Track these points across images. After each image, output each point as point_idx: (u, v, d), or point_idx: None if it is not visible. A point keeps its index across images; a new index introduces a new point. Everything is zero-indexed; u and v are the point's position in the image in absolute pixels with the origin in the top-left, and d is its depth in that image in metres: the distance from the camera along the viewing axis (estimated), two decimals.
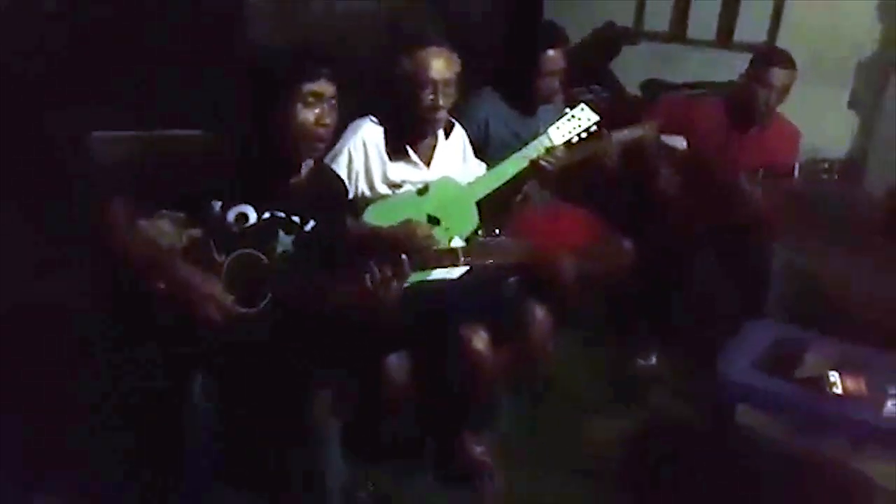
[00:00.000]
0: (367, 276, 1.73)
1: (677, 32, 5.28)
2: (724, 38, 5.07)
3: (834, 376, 1.88)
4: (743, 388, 2.01)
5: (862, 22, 4.67)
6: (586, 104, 3.52)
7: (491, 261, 1.94)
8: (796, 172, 2.51)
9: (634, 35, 5.19)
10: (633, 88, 4.95)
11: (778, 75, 2.67)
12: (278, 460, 1.87)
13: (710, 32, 5.18)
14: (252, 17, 3.19)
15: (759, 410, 2.21)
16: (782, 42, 4.93)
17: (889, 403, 1.85)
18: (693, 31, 5.25)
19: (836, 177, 2.47)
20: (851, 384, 1.87)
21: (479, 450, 2.22)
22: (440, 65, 2.13)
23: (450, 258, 1.90)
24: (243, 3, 3.16)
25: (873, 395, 1.87)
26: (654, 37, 5.24)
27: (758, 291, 2.73)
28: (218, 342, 1.67)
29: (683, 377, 2.77)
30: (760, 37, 5.01)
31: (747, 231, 2.74)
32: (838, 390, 1.87)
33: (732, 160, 2.71)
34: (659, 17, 5.34)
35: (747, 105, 2.73)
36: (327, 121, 1.77)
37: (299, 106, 1.74)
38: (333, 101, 1.79)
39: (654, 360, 2.91)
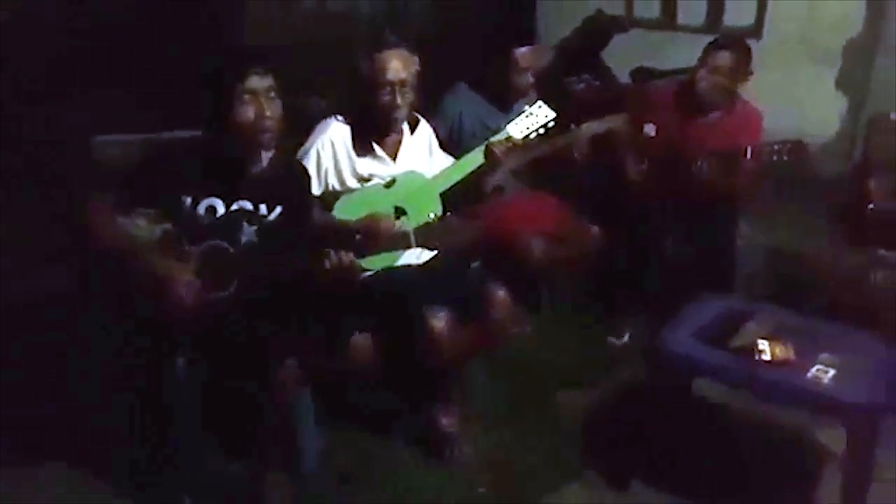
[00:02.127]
0: (326, 260, 1.92)
1: (667, 19, 5.38)
2: (713, 23, 5.15)
3: (763, 344, 2.00)
4: (682, 358, 2.14)
5: (848, 5, 4.73)
6: (574, 94, 3.69)
7: (441, 241, 2.09)
8: (749, 154, 2.62)
9: (625, 23, 5.27)
10: (624, 76, 5.05)
11: (721, 57, 2.79)
12: (256, 426, 2.05)
13: (700, 18, 5.27)
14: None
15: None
16: (770, 25, 5.01)
17: (814, 369, 1.98)
18: (683, 17, 5.34)
19: (785, 158, 2.58)
20: (779, 351, 2.00)
21: (445, 421, 2.38)
22: (397, 65, 2.28)
23: (403, 241, 2.06)
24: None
25: (800, 362, 2.00)
26: (644, 24, 5.34)
27: (722, 268, 2.86)
28: (194, 324, 1.86)
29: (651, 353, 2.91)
30: (749, 20, 5.09)
31: (711, 211, 2.87)
32: (766, 357, 2.00)
33: (695, 144, 2.83)
34: (649, 4, 5.44)
35: (697, 88, 2.85)
36: (268, 113, 1.91)
37: (237, 104, 1.89)
38: (272, 94, 1.92)
39: (626, 338, 3.04)
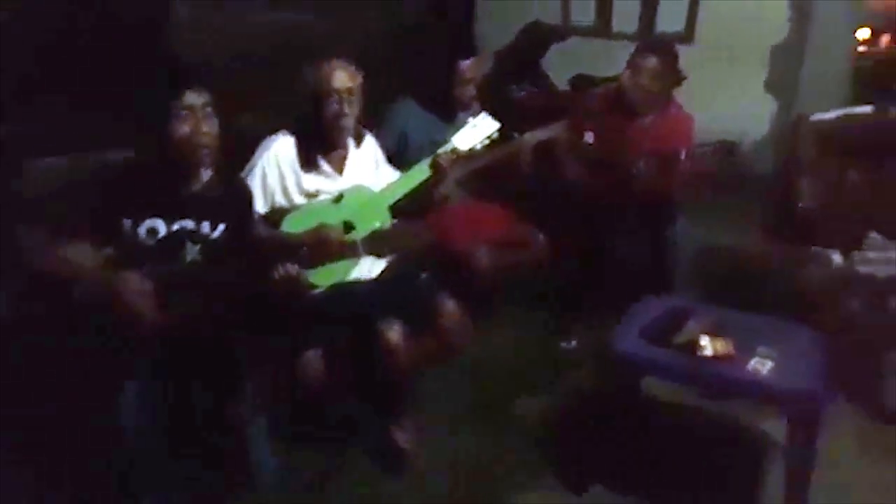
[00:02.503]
0: (274, 273, 1.93)
1: (602, 26, 5.52)
2: (646, 30, 5.32)
3: (704, 340, 2.08)
4: (630, 357, 2.21)
5: (774, 8, 4.94)
6: (515, 102, 3.76)
7: (389, 247, 2.13)
8: (683, 157, 2.72)
9: (562, 32, 5.37)
10: (563, 84, 5.15)
11: (648, 61, 2.88)
12: (213, 446, 2.04)
13: (634, 25, 5.43)
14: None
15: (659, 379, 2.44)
16: (700, 30, 5.19)
17: (753, 361, 2.07)
18: (617, 25, 5.49)
19: (718, 159, 2.68)
20: (720, 346, 2.08)
21: (400, 437, 2.39)
22: (342, 76, 2.33)
23: (351, 250, 2.08)
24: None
25: (740, 355, 2.09)
26: (581, 31, 5.47)
27: (663, 268, 2.96)
28: (146, 344, 1.84)
29: (600, 355, 2.98)
30: (680, 26, 5.26)
31: (651, 213, 2.97)
32: (708, 353, 2.08)
33: (631, 148, 2.92)
34: (584, 12, 5.57)
35: (625, 92, 2.95)
36: (204, 129, 1.91)
37: (173, 121, 1.89)
38: (208, 109, 1.93)
39: (574, 343, 3.11)
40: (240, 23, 4.03)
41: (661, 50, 2.95)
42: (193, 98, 1.90)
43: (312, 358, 2.18)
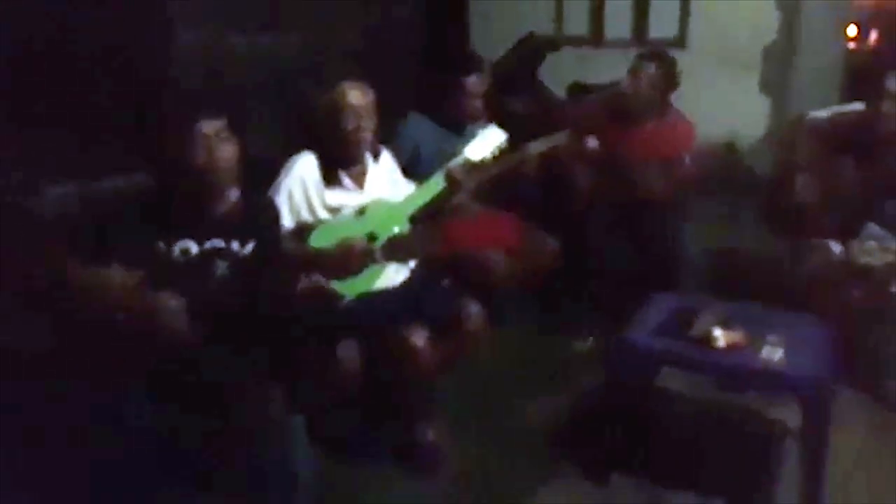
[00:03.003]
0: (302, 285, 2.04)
1: (595, 35, 5.66)
2: (639, 36, 5.45)
3: (717, 332, 2.20)
4: (647, 351, 2.32)
5: (763, 10, 5.08)
6: (515, 113, 3.89)
7: (406, 253, 2.25)
8: (685, 161, 2.85)
9: (556, 42, 5.52)
10: (560, 92, 5.28)
11: (647, 68, 3.04)
12: (244, 460, 2.11)
13: (627, 32, 5.56)
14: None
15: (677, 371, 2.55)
16: (693, 35, 5.33)
17: (763, 350, 2.18)
18: (610, 32, 5.62)
19: (719, 160, 2.81)
20: (733, 337, 2.20)
21: (430, 435, 2.49)
22: (356, 94, 2.46)
23: (371, 257, 2.20)
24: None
25: (751, 345, 2.20)
26: (574, 41, 5.61)
27: (669, 267, 3.08)
28: (179, 360, 1.93)
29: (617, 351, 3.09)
30: (673, 32, 5.39)
31: (656, 215, 3.09)
32: (722, 344, 2.19)
33: (634, 154, 3.04)
34: (578, 22, 5.71)
35: (627, 100, 3.09)
36: (223, 155, 1.99)
37: (192, 148, 1.96)
38: (224, 135, 2.01)
39: (590, 341, 3.22)
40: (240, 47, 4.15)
41: (659, 56, 3.07)
42: (208, 126, 1.98)
43: (347, 358, 2.28)
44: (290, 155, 2.53)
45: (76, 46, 3.21)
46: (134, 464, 1.87)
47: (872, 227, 2.79)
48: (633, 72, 3.07)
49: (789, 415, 2.48)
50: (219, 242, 2.11)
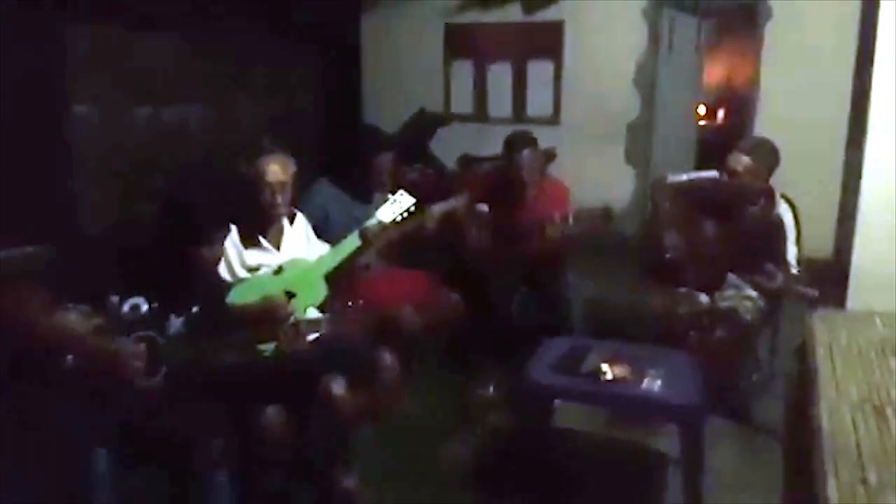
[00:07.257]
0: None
1: (480, 112, 6.14)
2: (518, 114, 5.98)
3: (605, 367, 2.50)
4: (544, 387, 2.60)
5: (624, 91, 5.71)
6: (410, 181, 4.20)
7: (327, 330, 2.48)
8: (564, 221, 3.23)
9: (446, 118, 5.95)
10: (451, 163, 5.66)
11: (524, 155, 3.46)
12: None
13: (508, 111, 6.08)
14: None
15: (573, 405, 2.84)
16: (565, 114, 5.90)
17: (645, 382, 2.50)
18: (493, 111, 6.12)
19: (596, 222, 3.21)
20: (618, 371, 2.51)
21: (347, 483, 2.60)
22: (276, 169, 2.65)
23: (295, 333, 2.44)
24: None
25: (634, 378, 2.51)
26: (461, 118, 6.06)
27: (560, 315, 3.40)
28: (123, 412, 2.03)
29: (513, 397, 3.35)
30: (548, 111, 5.95)
31: (544, 270, 3.44)
32: (609, 377, 2.50)
33: (519, 217, 3.41)
34: (463, 101, 6.18)
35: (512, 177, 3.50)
36: None
37: None
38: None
39: (490, 388, 3.46)
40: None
41: (531, 145, 3.51)
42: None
43: (272, 414, 2.40)
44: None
45: None
46: None
47: (732, 278, 3.21)
48: (512, 160, 3.50)
49: (671, 447, 2.79)
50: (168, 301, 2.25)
